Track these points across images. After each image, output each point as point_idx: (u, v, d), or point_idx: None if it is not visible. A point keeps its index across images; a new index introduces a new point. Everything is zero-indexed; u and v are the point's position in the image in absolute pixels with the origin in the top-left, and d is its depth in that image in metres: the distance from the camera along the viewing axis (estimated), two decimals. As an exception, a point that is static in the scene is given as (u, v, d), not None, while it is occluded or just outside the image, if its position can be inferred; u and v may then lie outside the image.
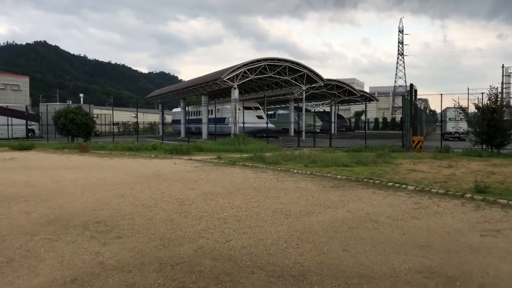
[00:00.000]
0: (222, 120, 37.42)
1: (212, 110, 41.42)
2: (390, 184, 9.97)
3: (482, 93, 21.45)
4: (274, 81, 38.43)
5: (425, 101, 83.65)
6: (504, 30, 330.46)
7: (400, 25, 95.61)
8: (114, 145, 23.47)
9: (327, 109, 51.56)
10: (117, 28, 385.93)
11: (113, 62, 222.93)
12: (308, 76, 35.21)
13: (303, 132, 35.18)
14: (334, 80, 43.61)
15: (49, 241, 5.55)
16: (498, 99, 18.45)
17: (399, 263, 4.68)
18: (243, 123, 27.92)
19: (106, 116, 55.19)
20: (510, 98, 18.49)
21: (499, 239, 5.61)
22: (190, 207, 7.73)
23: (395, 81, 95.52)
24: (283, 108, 54.69)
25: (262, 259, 4.79)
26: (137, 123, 33.64)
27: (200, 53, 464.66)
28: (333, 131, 48.79)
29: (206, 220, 6.63)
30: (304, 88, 36.19)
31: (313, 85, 37.75)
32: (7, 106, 38.00)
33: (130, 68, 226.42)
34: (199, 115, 42.04)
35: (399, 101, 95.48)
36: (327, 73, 38.69)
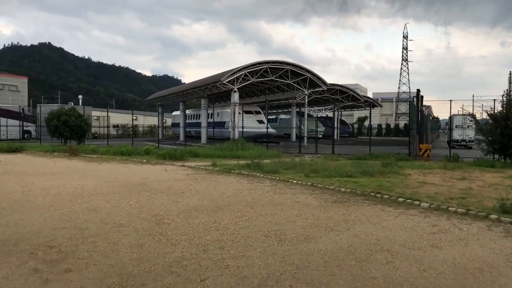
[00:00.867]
0: (222, 124, 36.32)
1: (212, 114, 40.36)
2: (400, 199, 8.80)
3: (494, 99, 20.30)
4: (276, 84, 37.33)
5: (429, 107, 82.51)
6: (507, 37, 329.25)
7: (405, 31, 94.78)
8: (106, 149, 22.37)
9: (330, 114, 50.42)
10: (122, 31, 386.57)
11: (117, 64, 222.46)
12: (310, 80, 34.10)
13: (305, 138, 34.03)
14: (338, 85, 42.53)
15: (-20, 274, 4.42)
16: (513, 105, 17.23)
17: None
18: (241, 127, 26.75)
19: (109, 118, 54.32)
20: None
21: (546, 280, 4.45)
22: (168, 226, 6.58)
23: (399, 87, 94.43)
24: (285, 112, 53.56)
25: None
26: (132, 126, 32.51)
27: (203, 57, 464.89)
28: (336, 137, 47.70)
29: (183, 247, 5.48)
30: (306, 92, 35.09)
31: (315, 90, 36.62)
32: (1, 107, 36.99)
33: (134, 71, 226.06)
34: (199, 118, 40.96)
35: (402, 107, 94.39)
36: (329, 79, 38.07)
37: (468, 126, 32.21)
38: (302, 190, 10.32)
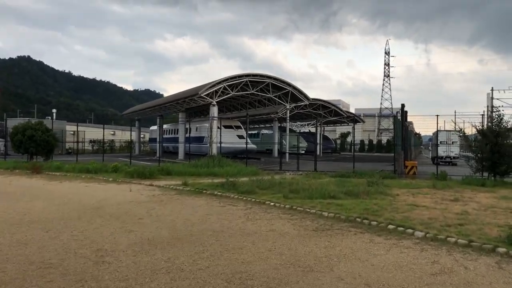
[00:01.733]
0: (200, 139, 35.00)
1: (190, 129, 39.02)
2: (391, 227, 7.64)
3: (482, 114, 19.62)
4: (257, 98, 36.28)
5: (410, 123, 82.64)
6: (485, 55, 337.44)
7: (387, 47, 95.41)
8: (72, 166, 20.83)
9: (313, 129, 49.59)
10: (103, 45, 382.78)
11: (98, 78, 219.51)
12: (292, 94, 33.16)
13: (287, 154, 32.92)
14: (320, 100, 41.73)
15: None
16: (503, 122, 16.44)
17: None
18: (219, 143, 25.48)
19: (84, 133, 52.33)
20: None
21: None
22: (108, 268, 5.26)
23: (381, 103, 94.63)
24: (268, 128, 52.53)
25: None
26: (103, 141, 30.82)
27: (186, 72, 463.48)
28: (318, 153, 46.69)
29: (115, 301, 4.18)
30: (288, 106, 34.12)
31: (298, 104, 35.73)
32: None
33: (115, 85, 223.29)
34: (177, 133, 39.55)
35: (384, 123, 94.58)
36: (312, 95, 37.27)
37: (452, 142, 31.58)
38: (279, 215, 9.10)
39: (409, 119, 28.70)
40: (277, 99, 33.51)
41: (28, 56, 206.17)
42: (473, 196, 12.30)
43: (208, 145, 30.52)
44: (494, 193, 13.04)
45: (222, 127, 34.06)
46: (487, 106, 63.55)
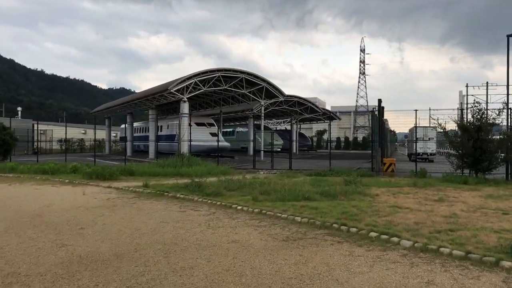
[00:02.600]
0: (172, 138, 33.53)
1: (162, 126, 37.48)
2: (373, 234, 6.58)
3: (461, 109, 18.95)
4: (230, 95, 35.07)
5: (386, 121, 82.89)
6: (456, 54, 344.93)
7: (362, 44, 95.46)
8: (28, 167, 19.17)
9: (289, 127, 48.63)
10: (76, 43, 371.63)
11: (71, 77, 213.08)
12: (267, 90, 32.08)
13: (262, 152, 31.83)
14: (296, 97, 40.73)
15: None
16: (484, 116, 15.71)
17: None
18: (189, 140, 24.14)
19: (54, 132, 49.98)
20: (494, 113, 15.75)
21: None
22: (9, 302, 3.99)
23: (357, 101, 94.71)
24: (243, 125, 51.36)
25: None
26: (65, 140, 29.01)
27: (161, 69, 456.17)
28: (294, 150, 45.82)
29: None
30: (263, 103, 32.99)
31: (273, 101, 34.68)
32: None
33: (89, 84, 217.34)
34: (147, 131, 37.93)
35: (360, 121, 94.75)
36: (288, 92, 36.40)
37: (429, 138, 31.08)
38: (246, 221, 7.93)
39: (385, 115, 28.03)
40: (251, 95, 32.37)
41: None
42: (458, 195, 11.43)
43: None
44: (479, 192, 12.22)
45: (193, 125, 32.78)
46: (460, 103, 64.13)
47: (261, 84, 31.19)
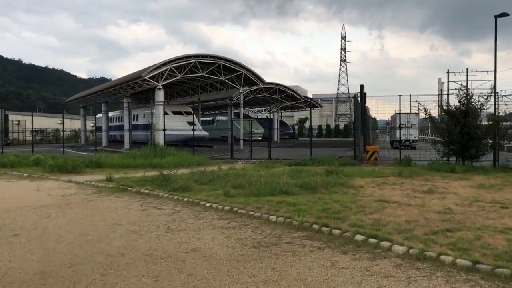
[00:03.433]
0: (149, 127, 32.07)
1: (137, 115, 35.98)
2: (359, 237, 5.60)
3: (448, 94, 18.18)
4: (208, 82, 33.72)
5: (367, 108, 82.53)
6: (436, 41, 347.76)
7: (343, 32, 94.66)
8: (-14, 160, 17.68)
9: (271, 115, 47.48)
10: (54, 32, 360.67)
11: (50, 66, 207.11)
12: (246, 77, 30.88)
13: (241, 141, 30.72)
14: (276, 84, 39.57)
15: None
16: (472, 100, 14.90)
17: None
18: (164, 130, 22.88)
19: (28, 122, 48.01)
20: (482, 97, 14.94)
21: None
22: None
23: (338, 88, 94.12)
24: (223, 114, 50.06)
25: None
26: (32, 130, 27.38)
27: (142, 58, 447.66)
28: (276, 139, 44.84)
29: None
30: (241, 90, 31.78)
31: (252, 88, 33.50)
32: None
33: (68, 73, 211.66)
34: (123, 121, 36.40)
35: (342, 108, 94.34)
36: (270, 81, 35.31)
37: (411, 125, 30.44)
38: (213, 221, 6.88)
39: (367, 102, 27.18)
40: (230, 82, 31.13)
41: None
42: (447, 185, 10.59)
43: (155, 132, 27.78)
44: (469, 181, 11.42)
45: (170, 113, 31.41)
46: (441, 90, 64.01)
47: (240, 71, 29.96)
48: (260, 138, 44.94)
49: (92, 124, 58.77)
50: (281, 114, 55.26)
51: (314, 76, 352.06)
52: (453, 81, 46.31)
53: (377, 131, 70.23)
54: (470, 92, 15.18)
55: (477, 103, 14.90)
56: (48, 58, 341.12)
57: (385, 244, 5.29)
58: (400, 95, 18.31)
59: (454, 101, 16.20)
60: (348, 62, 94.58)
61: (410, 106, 27.96)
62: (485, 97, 14.96)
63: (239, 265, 4.70)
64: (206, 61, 27.93)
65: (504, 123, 16.18)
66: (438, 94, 46.15)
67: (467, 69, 46.19)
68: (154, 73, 25.91)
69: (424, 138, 42.07)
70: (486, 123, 15.39)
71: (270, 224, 6.63)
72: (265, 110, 56.65)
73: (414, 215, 6.88)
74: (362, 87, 21.44)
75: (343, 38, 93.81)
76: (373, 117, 69.81)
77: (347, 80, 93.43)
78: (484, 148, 14.97)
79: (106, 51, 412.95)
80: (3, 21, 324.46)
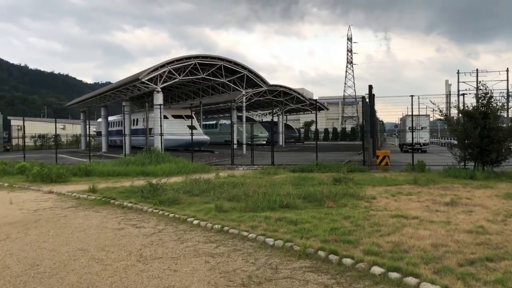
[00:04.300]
0: (148, 131, 31.08)
1: (137, 120, 34.98)
2: (377, 270, 4.41)
3: (463, 94, 16.92)
4: (210, 84, 32.57)
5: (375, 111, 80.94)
6: (442, 43, 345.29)
7: (349, 33, 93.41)
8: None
9: (276, 119, 46.21)
10: (60, 37, 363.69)
11: (56, 72, 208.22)
12: (249, 78, 29.74)
13: (244, 145, 29.53)
14: (281, 86, 38.41)
15: None
16: (492, 100, 13.63)
17: None
18: (161, 134, 21.77)
19: (31, 128, 47.30)
20: (503, 97, 13.76)
21: None
22: None
23: (344, 91, 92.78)
24: (227, 118, 48.97)
25: None
26: (23, 136, 26.35)
27: (147, 63, 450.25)
28: (281, 143, 43.62)
29: None
30: (244, 92, 30.63)
31: (256, 90, 32.35)
32: None
33: (74, 78, 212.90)
34: (123, 125, 35.40)
35: (348, 111, 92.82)
36: (275, 83, 34.43)
37: (422, 127, 29.10)
38: (197, 245, 5.71)
39: (376, 102, 25.92)
40: (232, 84, 30.00)
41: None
42: (470, 195, 9.36)
43: (155, 137, 26.66)
44: (493, 190, 10.20)
45: (170, 117, 30.38)
46: (449, 92, 62.43)
47: (242, 72, 28.83)
48: (265, 142, 43.79)
49: (95, 129, 58.03)
50: (287, 117, 54.09)
51: (320, 79, 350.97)
52: (464, 82, 44.90)
53: (385, 134, 68.80)
54: (489, 91, 13.90)
55: (498, 103, 13.65)
56: (54, 63, 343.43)
57: (411, 281, 4.09)
58: (412, 95, 17.11)
59: (467, 102, 14.99)
60: (355, 64, 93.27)
61: (419, 108, 26.77)
62: (506, 97, 13.71)
63: (219, 316, 3.53)
64: (206, 62, 26.85)
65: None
66: (447, 95, 44.81)
67: (477, 69, 44.88)
68: (152, 75, 24.87)
69: (432, 141, 40.70)
70: (509, 124, 14.11)
71: (266, 249, 5.45)
72: (269, 113, 55.50)
73: (441, 237, 5.67)
74: (370, 87, 20.18)
75: (349, 39, 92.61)
76: (381, 119, 68.38)
77: (353, 83, 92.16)
78: (506, 152, 13.68)
79: (111, 56, 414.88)
80: (9, 28, 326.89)
